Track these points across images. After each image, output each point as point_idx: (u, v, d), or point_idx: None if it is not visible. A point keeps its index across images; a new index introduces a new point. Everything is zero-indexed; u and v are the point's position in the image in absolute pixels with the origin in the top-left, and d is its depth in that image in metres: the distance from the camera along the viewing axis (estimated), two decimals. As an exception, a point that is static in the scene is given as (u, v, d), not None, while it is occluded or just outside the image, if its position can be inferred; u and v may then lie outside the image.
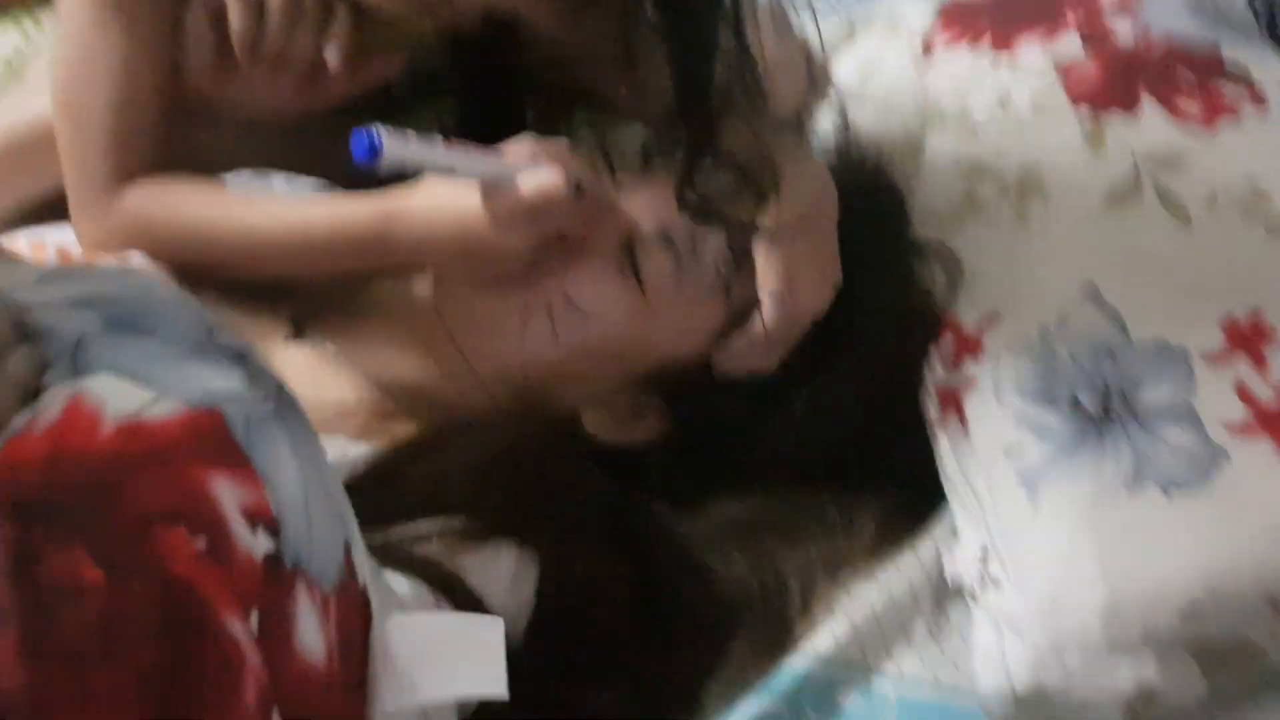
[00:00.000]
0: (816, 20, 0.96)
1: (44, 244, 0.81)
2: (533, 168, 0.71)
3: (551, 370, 0.77)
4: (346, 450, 0.70)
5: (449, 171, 0.69)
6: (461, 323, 0.77)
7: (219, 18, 0.77)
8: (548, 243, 0.74)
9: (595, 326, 0.75)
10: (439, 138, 0.67)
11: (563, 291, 0.75)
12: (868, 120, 0.99)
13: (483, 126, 0.94)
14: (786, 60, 1.11)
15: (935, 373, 0.81)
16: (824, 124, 1.08)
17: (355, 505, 0.66)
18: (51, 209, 0.86)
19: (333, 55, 0.78)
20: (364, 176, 0.93)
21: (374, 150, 0.62)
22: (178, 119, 0.80)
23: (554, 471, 0.73)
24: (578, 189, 0.73)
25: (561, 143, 0.76)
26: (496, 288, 0.76)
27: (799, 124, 1.13)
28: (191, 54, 0.78)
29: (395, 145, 0.63)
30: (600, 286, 0.75)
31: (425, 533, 0.66)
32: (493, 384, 0.77)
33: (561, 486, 0.72)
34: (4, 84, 1.33)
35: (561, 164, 0.73)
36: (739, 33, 0.72)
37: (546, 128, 1.02)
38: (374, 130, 0.62)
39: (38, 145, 0.82)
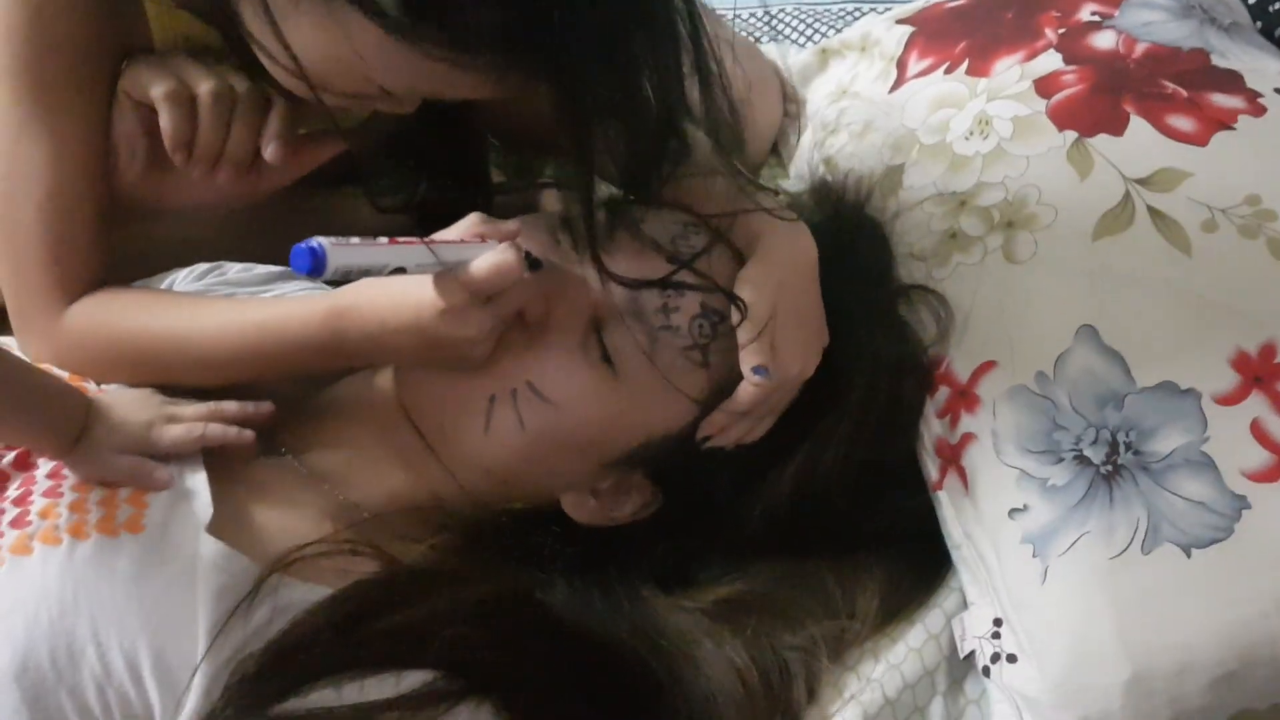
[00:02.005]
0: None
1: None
2: (483, 249, 0.68)
3: (522, 460, 0.73)
4: (307, 595, 0.66)
5: (399, 270, 0.65)
6: (426, 416, 0.74)
7: (149, 117, 0.73)
8: (509, 326, 0.70)
9: (564, 415, 0.71)
10: (383, 239, 0.63)
11: (525, 379, 0.71)
12: (844, 152, 0.95)
13: (447, 180, 0.91)
14: (759, 87, 1.07)
15: (931, 429, 0.76)
16: (798, 157, 1.04)
17: (314, 656, 0.63)
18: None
19: (271, 151, 0.74)
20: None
21: (318, 263, 0.58)
22: (117, 219, 0.76)
23: (528, 619, 0.69)
24: (535, 264, 0.69)
25: (512, 220, 0.72)
26: (457, 378, 0.72)
27: (778, 157, 1.09)
28: (123, 155, 0.74)
29: (339, 254, 0.59)
30: (566, 372, 0.71)
31: (393, 695, 0.62)
32: (464, 478, 0.74)
33: (537, 635, 0.69)
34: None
35: (513, 240, 0.69)
36: (707, 85, 0.68)
37: (513, 179, 0.99)
38: (315, 244, 0.58)
39: None
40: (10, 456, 0.70)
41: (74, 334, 0.74)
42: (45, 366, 0.74)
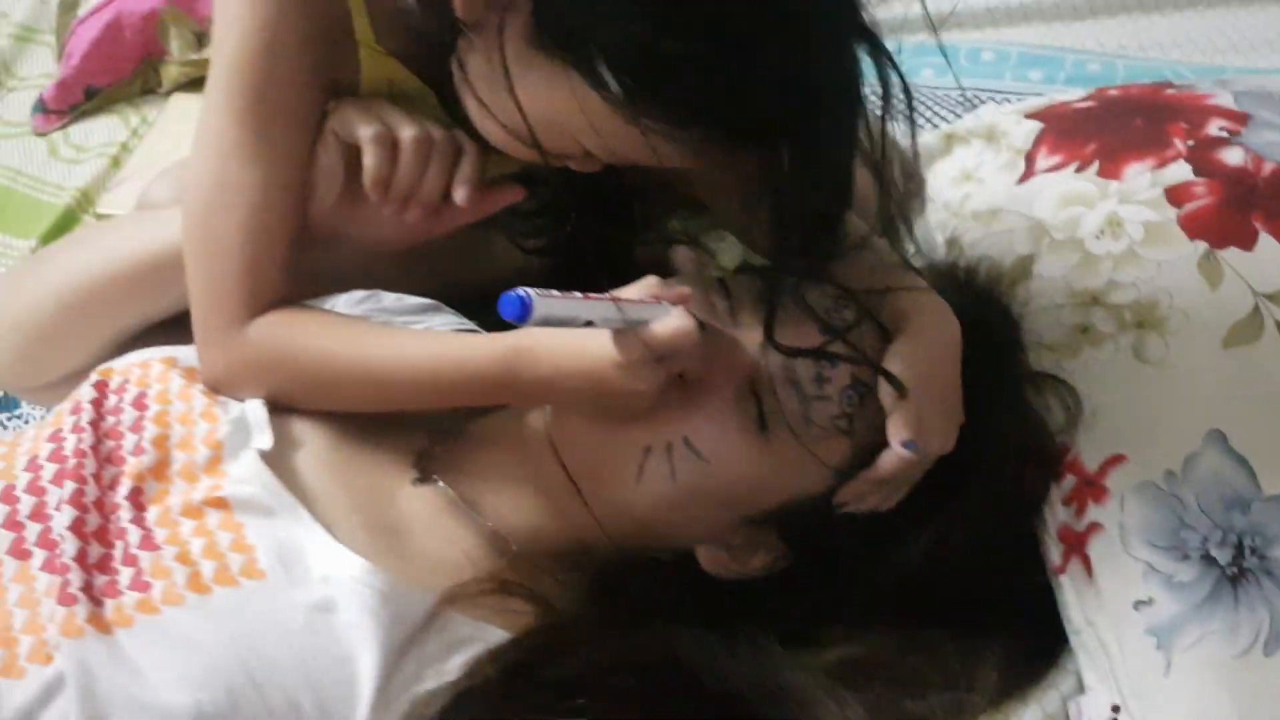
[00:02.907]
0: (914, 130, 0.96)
1: (176, 359, 0.82)
2: (661, 310, 0.71)
3: (668, 510, 0.76)
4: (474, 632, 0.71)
5: (587, 324, 0.69)
6: (578, 460, 0.77)
7: (350, 155, 0.78)
8: (669, 383, 0.74)
9: (714, 471, 0.75)
10: (576, 293, 0.67)
11: (682, 434, 0.75)
12: (969, 236, 0.99)
13: (589, 226, 0.95)
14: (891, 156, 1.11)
15: (1056, 514, 0.80)
16: (926, 240, 1.08)
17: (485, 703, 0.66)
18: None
19: (461, 193, 0.78)
20: (468, 289, 0.95)
21: (525, 310, 0.62)
22: (302, 244, 0.80)
23: (666, 672, 0.72)
24: (700, 327, 0.73)
25: (684, 284, 0.76)
26: (615, 426, 0.75)
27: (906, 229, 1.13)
28: (321, 187, 0.78)
29: (543, 305, 0.63)
30: (720, 431, 0.75)
31: None
32: (607, 521, 0.77)
33: (674, 687, 0.72)
34: (106, 174, 1.36)
35: (686, 305, 0.73)
36: (880, 175, 0.72)
37: (650, 228, 1.03)
38: (525, 293, 0.62)
39: (159, 270, 0.83)
40: (126, 487, 0.73)
41: (254, 348, 0.78)
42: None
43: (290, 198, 0.77)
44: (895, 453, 0.73)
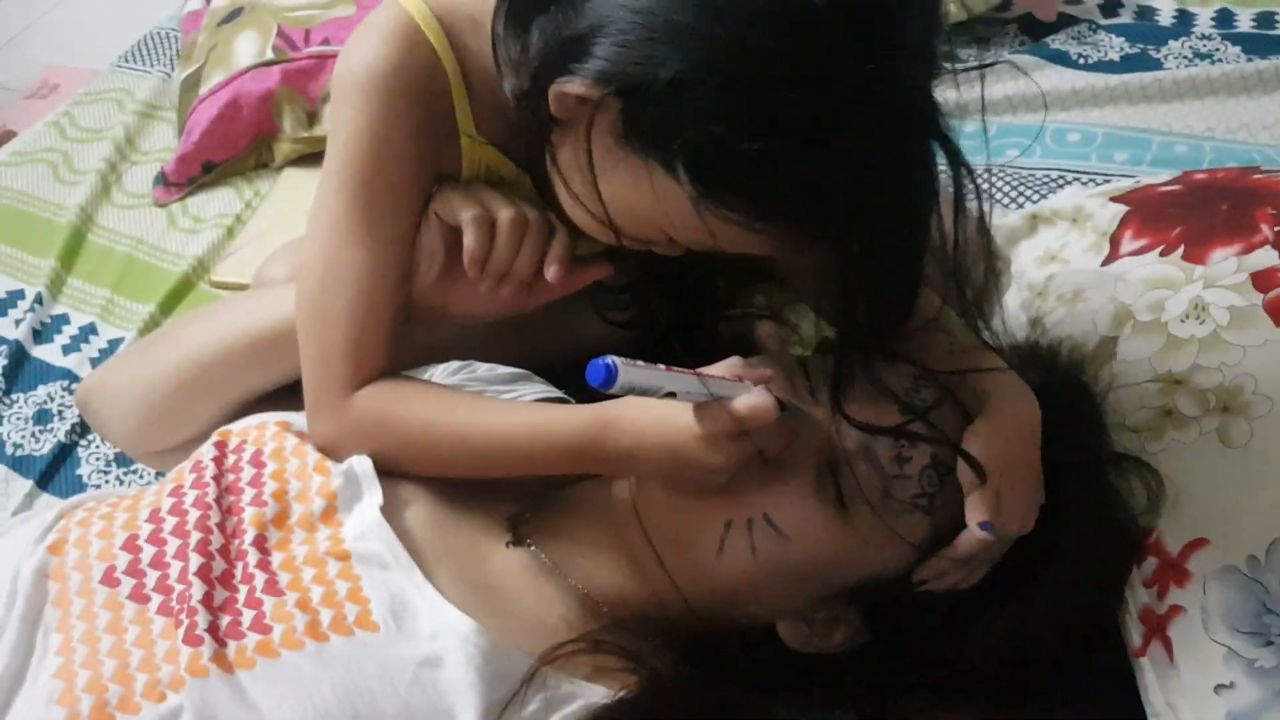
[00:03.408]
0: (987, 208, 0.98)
1: (289, 423, 0.87)
2: (743, 389, 0.74)
3: (748, 583, 0.78)
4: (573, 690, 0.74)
5: (670, 395, 0.72)
6: (660, 530, 0.80)
7: (451, 235, 0.82)
8: (748, 459, 0.76)
9: (794, 547, 0.76)
10: (660, 365, 0.70)
11: (763, 510, 0.77)
12: (1053, 316, 1.00)
13: (673, 301, 0.99)
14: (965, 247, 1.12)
15: (1138, 596, 0.80)
16: (1003, 314, 1.09)
17: None
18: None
19: (553, 272, 0.82)
20: (557, 359, 0.99)
21: (610, 377, 0.65)
22: (406, 318, 0.85)
23: None
24: (781, 406, 0.75)
25: (767, 363, 0.78)
26: (697, 498, 0.78)
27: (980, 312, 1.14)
28: (423, 265, 0.83)
29: (627, 373, 0.66)
30: (800, 508, 0.77)
31: None
32: (690, 590, 0.80)
33: None
34: (220, 244, 1.44)
35: (767, 384, 0.75)
36: (955, 265, 0.74)
37: (735, 303, 1.06)
38: (611, 361, 0.65)
39: (274, 343, 0.88)
40: (251, 535, 0.78)
41: (360, 415, 0.82)
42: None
43: (395, 277, 0.82)
44: (973, 534, 0.74)
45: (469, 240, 0.80)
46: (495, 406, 0.84)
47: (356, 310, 0.81)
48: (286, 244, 1.19)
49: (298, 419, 0.86)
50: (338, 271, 0.81)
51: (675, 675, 0.75)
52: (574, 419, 0.79)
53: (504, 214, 0.81)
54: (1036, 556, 0.79)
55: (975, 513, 0.74)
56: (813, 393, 0.79)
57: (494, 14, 0.76)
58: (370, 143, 0.79)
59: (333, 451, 0.83)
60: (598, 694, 0.75)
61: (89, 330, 1.36)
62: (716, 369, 0.77)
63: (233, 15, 1.61)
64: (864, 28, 0.62)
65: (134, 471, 1.18)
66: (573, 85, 0.68)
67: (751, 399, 0.73)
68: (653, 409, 0.76)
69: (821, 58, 0.62)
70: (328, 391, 0.82)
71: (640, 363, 0.68)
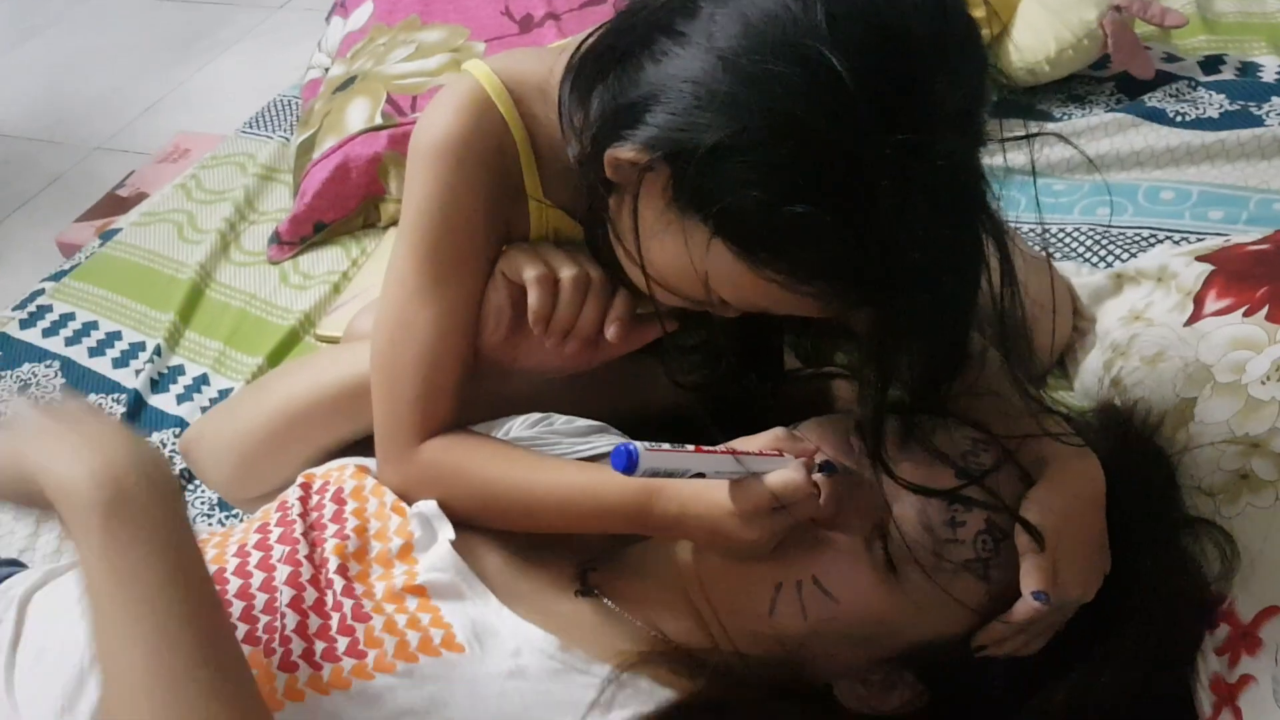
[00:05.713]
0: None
1: (368, 468, 0.91)
2: (780, 463, 0.75)
3: (800, 644, 0.78)
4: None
5: (699, 475, 0.73)
6: (717, 590, 0.81)
7: (517, 293, 0.85)
8: (788, 529, 0.76)
9: (845, 611, 0.76)
10: (689, 446, 0.71)
11: (811, 573, 0.77)
12: (1133, 376, 0.99)
13: (743, 363, 0.99)
14: (1051, 303, 1.11)
15: (1209, 664, 0.78)
16: (1085, 373, 1.08)
17: None
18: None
19: (613, 331, 0.84)
20: (634, 413, 1.01)
21: (632, 463, 0.67)
22: (475, 373, 0.88)
23: None
24: (830, 469, 0.76)
25: (820, 427, 0.79)
26: (748, 562, 0.79)
27: (1064, 370, 1.12)
28: (490, 322, 0.86)
29: (650, 458, 0.68)
30: (850, 572, 0.76)
31: None
32: (744, 648, 0.80)
33: None
34: (327, 299, 1.50)
35: (807, 456, 0.76)
36: (1004, 332, 0.73)
37: (804, 362, 1.06)
38: (632, 447, 0.67)
39: (355, 395, 0.92)
40: (335, 564, 0.81)
41: (425, 465, 0.85)
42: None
43: (462, 334, 0.85)
44: (1027, 602, 0.73)
45: (533, 298, 0.83)
46: (551, 465, 0.86)
47: (423, 366, 0.84)
48: (374, 300, 1.23)
49: (374, 464, 0.90)
50: (407, 329, 0.85)
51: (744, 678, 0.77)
52: (627, 485, 0.80)
53: (567, 273, 0.84)
54: (1104, 624, 0.77)
55: (1030, 580, 0.73)
56: (869, 452, 0.79)
57: (560, 83, 0.80)
58: (440, 208, 0.83)
59: (402, 498, 0.86)
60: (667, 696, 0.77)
61: (202, 380, 1.43)
62: (758, 441, 0.77)
63: (347, 83, 1.69)
64: (893, 100, 0.63)
65: (235, 515, 1.24)
66: (625, 150, 0.70)
67: (784, 475, 0.74)
68: (695, 482, 0.77)
69: (849, 130, 0.63)
70: (395, 442, 0.86)
71: (667, 445, 0.70)
